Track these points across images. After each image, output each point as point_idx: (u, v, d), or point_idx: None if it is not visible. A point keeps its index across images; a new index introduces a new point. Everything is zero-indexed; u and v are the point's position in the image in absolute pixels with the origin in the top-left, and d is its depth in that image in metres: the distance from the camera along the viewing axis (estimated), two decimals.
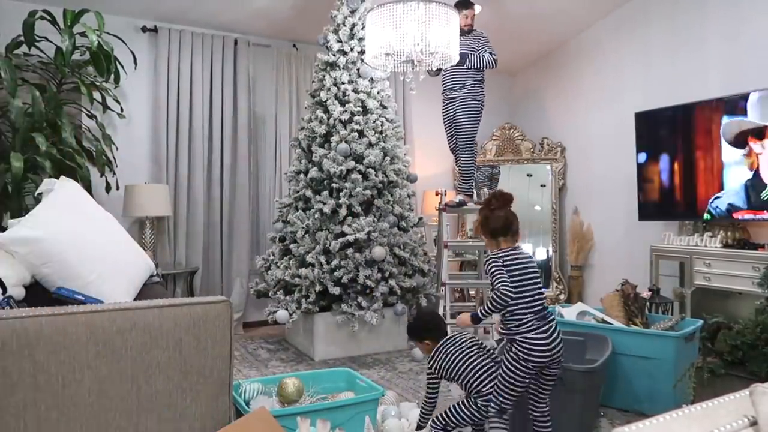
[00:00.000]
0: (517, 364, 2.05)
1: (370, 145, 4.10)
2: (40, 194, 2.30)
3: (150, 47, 4.58)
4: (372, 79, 4.23)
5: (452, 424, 2.18)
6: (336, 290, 3.80)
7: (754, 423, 1.08)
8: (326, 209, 3.90)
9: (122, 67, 4.23)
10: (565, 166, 5.68)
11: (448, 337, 2.26)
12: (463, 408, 2.16)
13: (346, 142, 4.02)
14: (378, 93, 4.25)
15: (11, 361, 1.33)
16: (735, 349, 2.46)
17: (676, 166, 4.20)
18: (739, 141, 3.79)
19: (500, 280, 2.07)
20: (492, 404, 2.09)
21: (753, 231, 3.93)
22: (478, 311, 2.16)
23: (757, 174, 3.69)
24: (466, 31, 4.25)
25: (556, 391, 2.37)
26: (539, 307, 2.09)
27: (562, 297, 5.48)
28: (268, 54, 5.01)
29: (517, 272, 2.11)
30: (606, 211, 5.18)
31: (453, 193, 5.29)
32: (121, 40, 4.22)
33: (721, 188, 3.88)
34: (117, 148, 4.28)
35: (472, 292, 5.18)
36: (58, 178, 2.37)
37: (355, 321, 3.81)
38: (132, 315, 1.49)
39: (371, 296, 3.86)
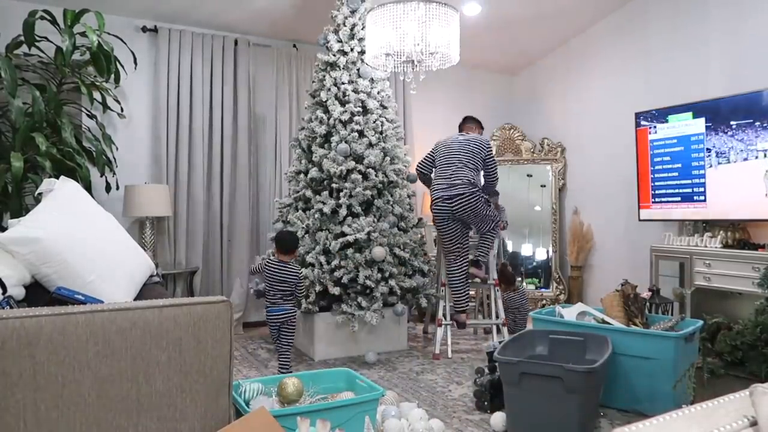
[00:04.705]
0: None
1: (370, 145, 4.10)
2: (40, 194, 2.30)
3: (150, 47, 4.59)
4: (372, 79, 4.23)
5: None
6: (336, 290, 3.80)
7: (754, 423, 1.08)
8: (326, 209, 3.90)
9: (122, 67, 4.23)
10: (565, 166, 5.69)
11: None
12: None
13: (346, 142, 4.02)
14: (378, 93, 4.24)
15: (11, 361, 1.33)
16: (735, 350, 2.46)
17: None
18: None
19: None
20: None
21: (753, 231, 3.93)
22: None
23: None
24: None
25: (555, 391, 2.37)
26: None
27: (562, 297, 5.48)
28: (268, 54, 5.01)
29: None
30: (606, 211, 5.19)
31: None
32: (121, 40, 4.23)
33: None
34: (117, 148, 4.29)
35: (471, 292, 5.18)
36: (58, 178, 2.37)
37: (355, 321, 3.81)
38: (132, 315, 1.49)
39: (371, 296, 3.85)
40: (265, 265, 3.39)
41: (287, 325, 3.36)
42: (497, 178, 4.20)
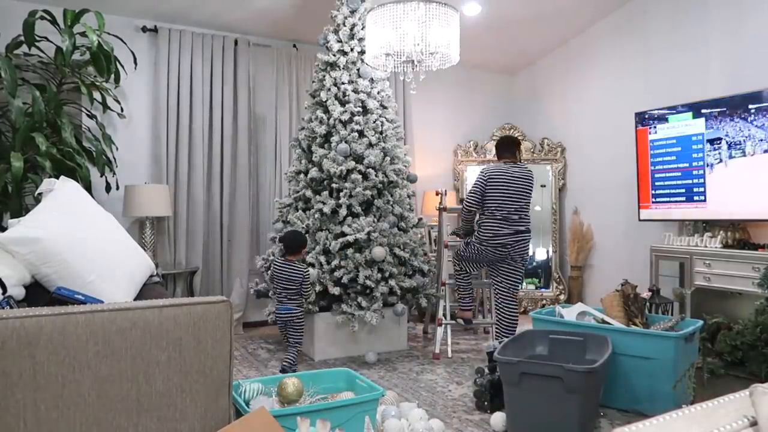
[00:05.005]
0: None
1: (370, 145, 4.10)
2: (40, 194, 2.30)
3: (150, 47, 4.59)
4: (372, 79, 4.23)
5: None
6: (336, 290, 3.80)
7: (754, 423, 1.08)
8: (326, 209, 3.90)
9: (122, 67, 4.23)
10: (565, 166, 5.69)
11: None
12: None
13: (346, 142, 4.02)
14: (378, 93, 4.24)
15: (11, 361, 1.33)
16: (735, 350, 2.46)
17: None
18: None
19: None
20: None
21: (753, 231, 3.93)
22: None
23: None
24: None
25: (555, 391, 2.37)
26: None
27: (562, 297, 5.48)
28: (268, 54, 5.01)
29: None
30: (606, 211, 5.19)
31: (453, 193, 5.28)
32: (121, 40, 4.23)
33: None
34: (117, 148, 4.29)
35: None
36: (58, 178, 2.37)
37: (355, 321, 3.81)
38: (132, 315, 1.49)
39: (371, 296, 3.85)
40: (272, 264, 3.51)
41: (292, 324, 3.42)
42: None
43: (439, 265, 4.36)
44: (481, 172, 3.79)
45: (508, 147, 3.84)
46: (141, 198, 4.15)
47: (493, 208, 3.66)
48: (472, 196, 3.77)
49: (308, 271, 3.57)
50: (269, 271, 3.44)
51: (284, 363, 3.42)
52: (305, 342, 4.04)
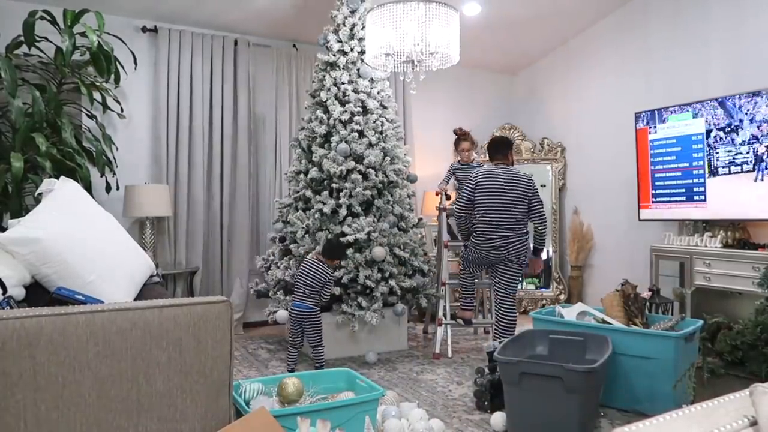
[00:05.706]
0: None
1: (370, 145, 4.10)
2: (40, 194, 2.30)
3: (150, 47, 4.59)
4: (372, 79, 4.23)
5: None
6: (336, 290, 3.80)
7: (754, 423, 1.08)
8: (326, 209, 3.90)
9: (122, 67, 4.23)
10: (565, 166, 5.68)
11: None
12: None
13: (346, 142, 4.02)
14: (378, 93, 4.24)
15: (11, 361, 1.33)
16: (735, 349, 2.46)
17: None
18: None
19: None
20: None
21: (753, 231, 3.93)
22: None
23: None
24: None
25: (556, 391, 2.37)
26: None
27: (562, 297, 5.48)
28: (268, 54, 5.01)
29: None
30: (606, 211, 5.19)
31: (454, 193, 5.24)
32: (121, 40, 4.23)
33: None
34: (117, 149, 4.29)
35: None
36: (58, 178, 2.37)
37: (355, 321, 3.81)
38: (132, 315, 1.49)
39: (371, 296, 3.86)
40: (302, 261, 3.66)
41: (309, 323, 3.53)
42: (546, 223, 3.69)
43: (439, 265, 4.36)
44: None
45: (499, 148, 3.78)
46: (141, 198, 4.15)
47: (483, 212, 3.61)
48: (461, 201, 3.76)
49: (334, 276, 3.69)
50: (298, 268, 3.59)
51: (316, 365, 3.55)
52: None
